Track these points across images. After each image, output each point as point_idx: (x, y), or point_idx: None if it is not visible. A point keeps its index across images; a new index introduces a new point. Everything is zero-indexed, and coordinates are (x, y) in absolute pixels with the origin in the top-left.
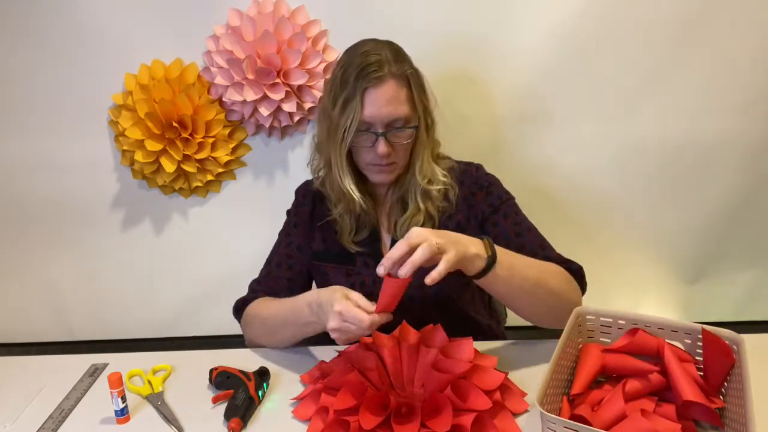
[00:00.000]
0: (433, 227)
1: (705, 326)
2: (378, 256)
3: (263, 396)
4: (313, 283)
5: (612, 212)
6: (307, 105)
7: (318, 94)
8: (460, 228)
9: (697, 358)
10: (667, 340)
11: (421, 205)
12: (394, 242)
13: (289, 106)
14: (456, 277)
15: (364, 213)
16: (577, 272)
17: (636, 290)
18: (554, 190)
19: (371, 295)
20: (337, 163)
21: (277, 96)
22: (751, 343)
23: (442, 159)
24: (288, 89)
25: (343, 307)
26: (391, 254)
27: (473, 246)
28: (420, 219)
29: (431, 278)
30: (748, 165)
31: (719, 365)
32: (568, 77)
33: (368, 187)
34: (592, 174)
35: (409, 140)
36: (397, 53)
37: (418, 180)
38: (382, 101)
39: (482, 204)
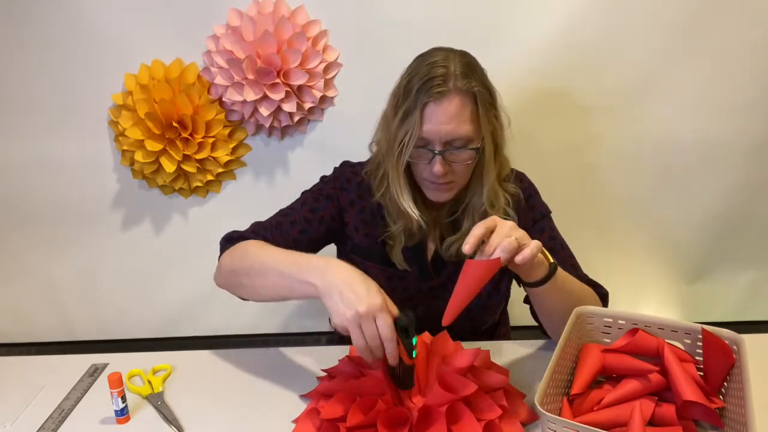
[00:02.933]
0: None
1: (705, 326)
2: (422, 267)
3: (416, 354)
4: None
5: (612, 212)
6: (307, 105)
7: (318, 94)
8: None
9: (697, 358)
10: (667, 340)
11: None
12: (438, 256)
13: (289, 106)
14: (499, 293)
15: (419, 230)
16: (604, 297)
17: (636, 290)
18: (554, 190)
19: (411, 301)
20: (394, 178)
21: (277, 96)
22: (751, 343)
23: (509, 183)
24: (288, 89)
25: (382, 318)
26: (475, 232)
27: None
28: None
29: (523, 256)
30: (749, 165)
31: (719, 365)
32: (569, 77)
33: (424, 199)
34: (591, 174)
35: (470, 161)
36: (467, 66)
37: (480, 202)
38: (443, 118)
39: (524, 216)
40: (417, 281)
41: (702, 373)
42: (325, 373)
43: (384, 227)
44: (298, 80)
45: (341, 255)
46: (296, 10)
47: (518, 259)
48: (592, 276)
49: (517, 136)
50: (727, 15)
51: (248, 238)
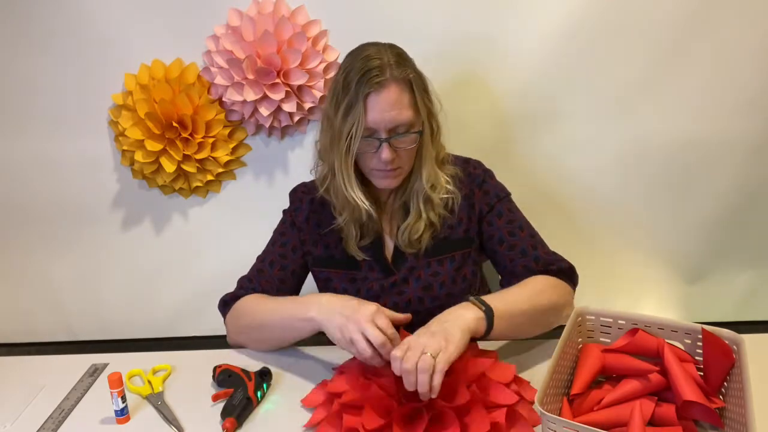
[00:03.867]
0: (433, 234)
1: (705, 326)
2: (382, 261)
3: (262, 397)
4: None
5: (612, 212)
6: (307, 105)
7: (318, 94)
8: (466, 232)
9: (697, 358)
10: (667, 340)
11: (423, 213)
12: (398, 252)
13: (289, 106)
14: (464, 280)
15: (370, 220)
16: (566, 271)
17: (636, 290)
18: (554, 190)
19: (376, 300)
20: (342, 170)
21: (277, 96)
22: (751, 343)
23: (447, 165)
24: (288, 89)
25: (380, 318)
26: (407, 384)
27: (467, 312)
28: (420, 227)
29: (435, 393)
30: (749, 165)
31: (719, 365)
32: (569, 77)
33: (372, 192)
34: (592, 174)
35: (414, 145)
36: (399, 57)
37: (422, 185)
38: (385, 106)
39: (480, 202)
40: (379, 279)
41: (702, 373)
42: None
43: (339, 229)
44: (298, 80)
45: (312, 272)
46: (296, 10)
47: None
48: (592, 276)
49: (518, 137)
50: (727, 15)
51: (240, 296)
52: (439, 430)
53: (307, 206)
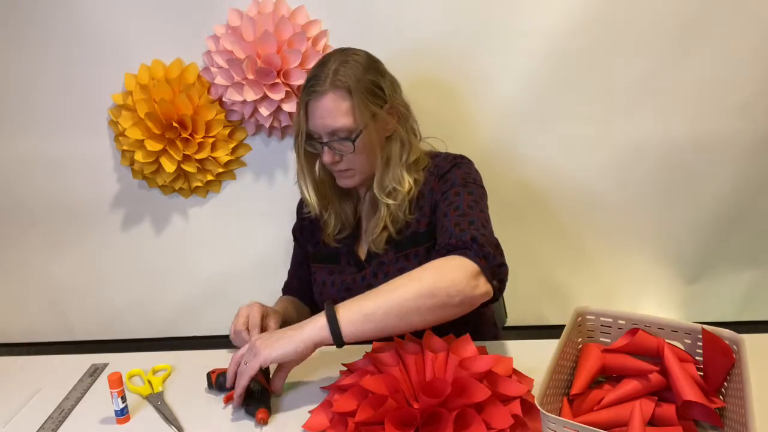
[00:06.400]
0: (389, 237)
1: (705, 326)
2: (356, 259)
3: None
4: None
5: (612, 212)
6: None
7: None
8: (429, 225)
9: (697, 358)
10: (667, 340)
11: (383, 213)
12: (367, 248)
13: (289, 106)
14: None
15: (348, 214)
16: (466, 244)
17: (636, 290)
18: (554, 190)
19: (351, 292)
20: (298, 167)
21: (277, 96)
22: (751, 343)
23: (421, 168)
24: (288, 89)
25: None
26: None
27: (308, 327)
28: (378, 228)
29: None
30: (748, 165)
31: (719, 365)
32: (568, 77)
33: (350, 189)
34: (592, 174)
35: (352, 150)
36: (343, 64)
37: (377, 186)
38: (320, 113)
39: (437, 192)
40: (353, 272)
41: (702, 373)
42: (345, 368)
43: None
44: (298, 80)
45: None
46: (296, 10)
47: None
48: (592, 276)
49: (517, 137)
50: (727, 15)
51: (282, 295)
52: (463, 428)
53: (306, 215)
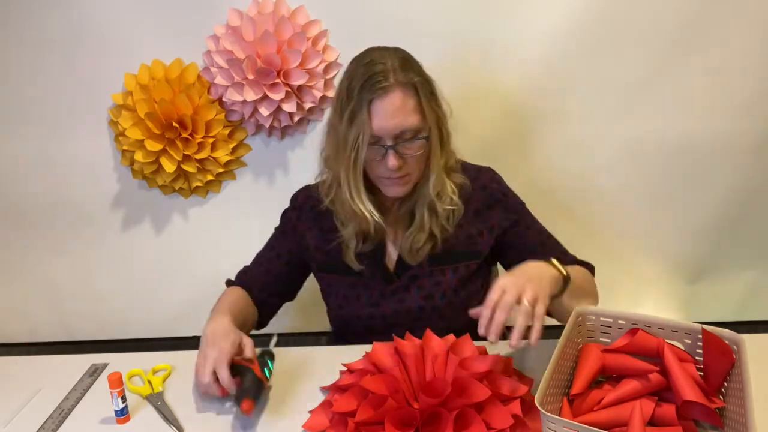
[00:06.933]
0: (433, 247)
1: (705, 326)
2: (384, 271)
3: (270, 375)
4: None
5: (612, 212)
6: (307, 105)
7: (318, 94)
8: (470, 240)
9: (697, 358)
10: (667, 340)
11: (427, 223)
12: (399, 261)
13: (289, 106)
14: (468, 291)
15: (375, 228)
16: (592, 271)
17: (636, 290)
18: (554, 190)
19: (376, 307)
20: (348, 180)
21: (277, 96)
22: (751, 343)
23: (455, 173)
24: (288, 89)
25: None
26: (498, 321)
27: (548, 271)
28: (422, 238)
29: (535, 338)
30: (749, 165)
31: (719, 365)
32: (569, 77)
33: (377, 198)
34: (592, 174)
35: (421, 151)
36: (404, 60)
37: (428, 193)
38: (389, 112)
39: (499, 217)
40: (380, 285)
41: (702, 373)
42: (345, 368)
43: (337, 235)
44: (298, 80)
45: (315, 276)
46: (296, 10)
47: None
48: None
49: (518, 137)
50: (728, 15)
51: (233, 283)
52: (463, 428)
53: (309, 212)
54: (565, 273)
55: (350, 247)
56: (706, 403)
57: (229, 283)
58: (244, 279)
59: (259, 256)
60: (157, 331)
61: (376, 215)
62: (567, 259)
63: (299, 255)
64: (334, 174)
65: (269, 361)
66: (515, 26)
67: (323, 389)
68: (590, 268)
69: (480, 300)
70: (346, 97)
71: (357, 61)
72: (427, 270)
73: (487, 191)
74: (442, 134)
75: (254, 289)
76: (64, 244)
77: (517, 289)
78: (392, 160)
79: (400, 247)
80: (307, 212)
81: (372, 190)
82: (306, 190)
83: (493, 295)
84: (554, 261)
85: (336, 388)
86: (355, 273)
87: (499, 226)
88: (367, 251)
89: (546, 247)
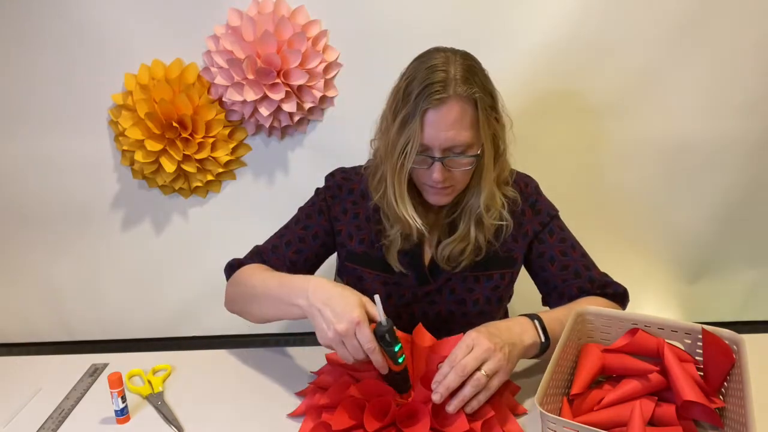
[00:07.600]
0: (476, 257)
1: (705, 326)
2: (419, 272)
3: (404, 360)
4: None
5: (611, 212)
6: (307, 105)
7: (318, 94)
8: (505, 246)
9: (697, 358)
10: (667, 340)
11: (472, 234)
12: (433, 262)
13: (289, 106)
14: (498, 299)
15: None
16: (620, 295)
17: (636, 290)
18: (554, 190)
19: (407, 308)
20: (393, 185)
21: (277, 96)
22: (751, 343)
23: (507, 186)
24: (288, 89)
25: (361, 332)
26: (448, 384)
27: (527, 337)
28: (465, 248)
29: (471, 407)
30: (749, 165)
31: (719, 365)
32: (570, 78)
33: (422, 201)
34: (592, 174)
35: (469, 167)
36: (468, 70)
37: (477, 205)
38: (442, 125)
39: (532, 222)
40: (413, 286)
41: (702, 373)
42: (315, 374)
43: (379, 230)
44: (298, 80)
45: (339, 263)
46: (296, 10)
47: (452, 408)
48: None
49: (521, 137)
50: (728, 15)
51: (246, 263)
52: (443, 420)
53: (347, 196)
54: (542, 339)
55: (393, 246)
56: (706, 403)
57: (236, 264)
58: (265, 261)
59: (285, 236)
60: (157, 331)
61: (419, 221)
62: (588, 276)
63: (332, 237)
64: (382, 172)
65: (397, 345)
66: (516, 27)
67: (298, 395)
68: (618, 293)
69: (506, 312)
70: (403, 99)
71: (419, 61)
72: (461, 276)
73: (524, 195)
74: (497, 148)
75: (282, 270)
76: (64, 244)
77: (483, 355)
78: (437, 173)
79: (438, 253)
80: (344, 196)
81: (418, 190)
82: (342, 172)
83: (458, 351)
84: (536, 323)
85: (313, 392)
86: (389, 270)
87: (532, 231)
88: (405, 250)
89: (567, 257)
